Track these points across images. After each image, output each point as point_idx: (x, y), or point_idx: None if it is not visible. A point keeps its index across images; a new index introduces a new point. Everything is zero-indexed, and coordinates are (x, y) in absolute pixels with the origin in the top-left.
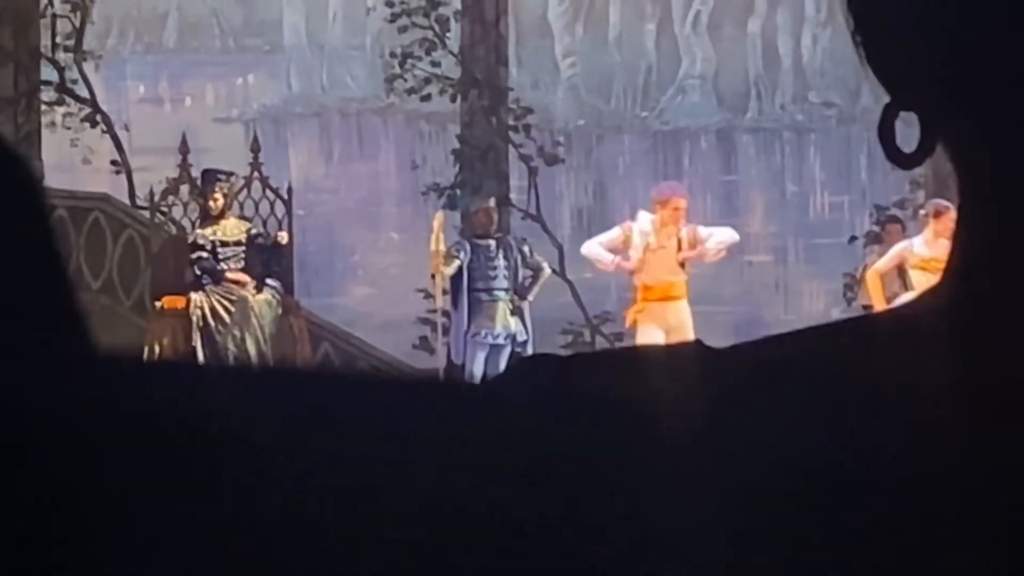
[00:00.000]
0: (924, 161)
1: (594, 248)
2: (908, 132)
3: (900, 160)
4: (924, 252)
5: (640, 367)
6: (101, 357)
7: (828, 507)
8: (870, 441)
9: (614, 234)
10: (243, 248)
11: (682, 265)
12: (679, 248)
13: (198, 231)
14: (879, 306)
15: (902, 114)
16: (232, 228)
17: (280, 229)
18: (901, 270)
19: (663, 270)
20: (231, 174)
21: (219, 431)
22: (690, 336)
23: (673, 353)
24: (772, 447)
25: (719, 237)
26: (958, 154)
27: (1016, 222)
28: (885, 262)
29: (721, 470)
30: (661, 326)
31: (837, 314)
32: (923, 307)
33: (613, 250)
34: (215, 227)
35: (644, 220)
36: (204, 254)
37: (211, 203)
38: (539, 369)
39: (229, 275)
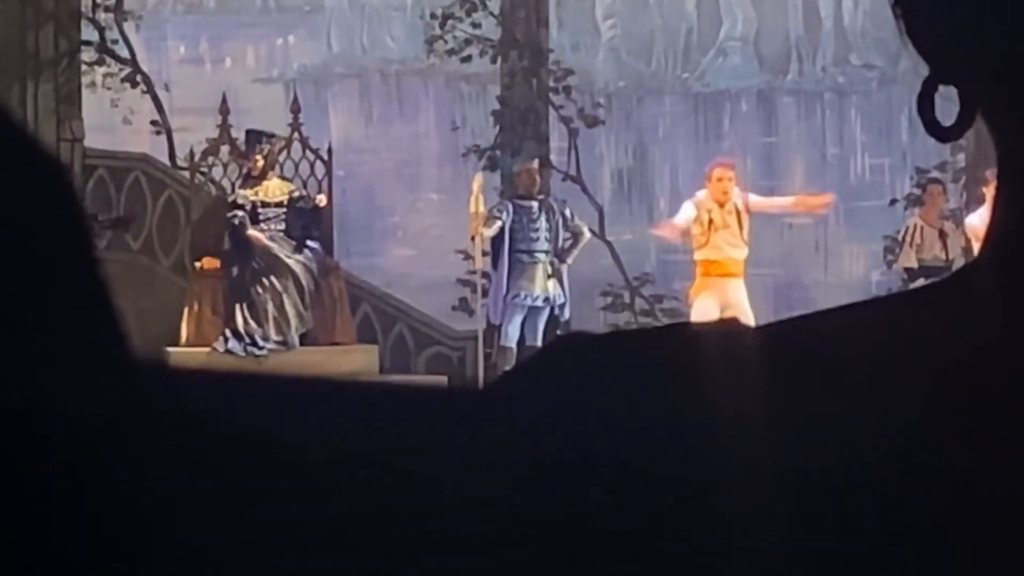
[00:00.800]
0: (963, 135)
1: (672, 229)
2: (947, 106)
3: (939, 133)
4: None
5: (675, 347)
6: (133, 363)
7: (868, 489)
8: (908, 424)
9: (690, 213)
10: (284, 210)
11: (741, 236)
12: (739, 225)
13: (239, 192)
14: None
15: (941, 87)
16: (275, 189)
17: (320, 190)
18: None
19: (727, 246)
20: (273, 135)
21: (230, 437)
22: (746, 314)
23: (709, 332)
24: (811, 433)
25: (768, 201)
26: (997, 128)
27: None
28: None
29: (757, 455)
30: (719, 302)
31: (877, 276)
32: (961, 281)
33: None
34: (257, 188)
35: (702, 197)
36: (240, 213)
37: (252, 164)
38: (572, 349)
39: (271, 229)
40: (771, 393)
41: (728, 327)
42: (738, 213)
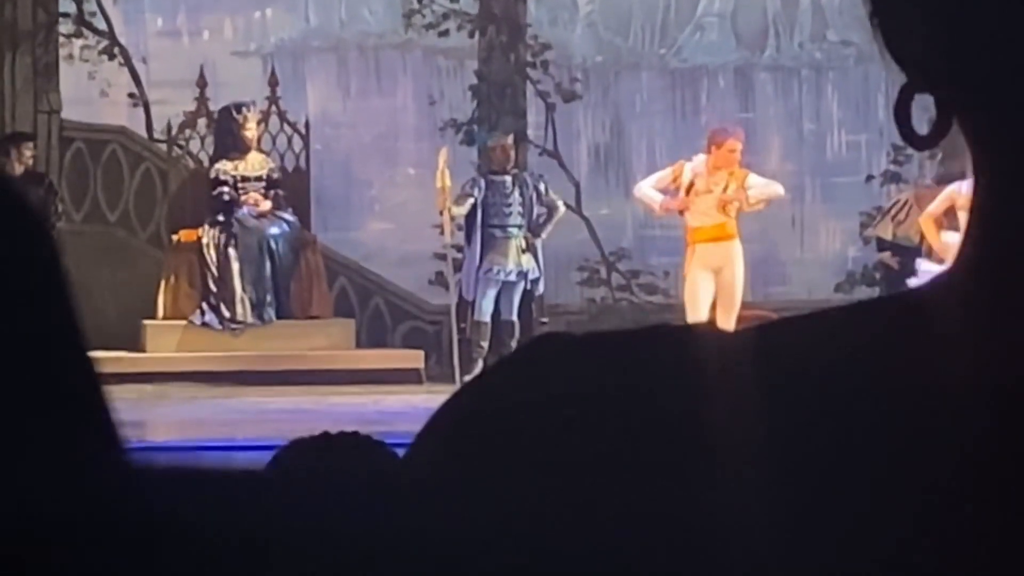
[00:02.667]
0: (938, 143)
1: (646, 191)
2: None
3: (915, 141)
4: None
5: (649, 351)
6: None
7: (844, 495)
8: (882, 429)
9: (663, 174)
10: (263, 184)
11: (723, 208)
12: (725, 191)
13: (219, 166)
14: (937, 247)
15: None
16: (257, 163)
17: (297, 164)
18: (951, 212)
19: (709, 211)
20: (252, 102)
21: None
22: (736, 274)
23: (683, 336)
24: (784, 434)
25: (763, 191)
26: (973, 136)
27: None
28: (936, 205)
29: (732, 459)
30: (710, 267)
31: (853, 252)
32: (938, 288)
33: (663, 190)
34: (238, 162)
35: (699, 161)
36: (226, 190)
37: (247, 132)
38: (547, 351)
39: (250, 203)
40: (743, 397)
41: (703, 331)
42: (728, 185)
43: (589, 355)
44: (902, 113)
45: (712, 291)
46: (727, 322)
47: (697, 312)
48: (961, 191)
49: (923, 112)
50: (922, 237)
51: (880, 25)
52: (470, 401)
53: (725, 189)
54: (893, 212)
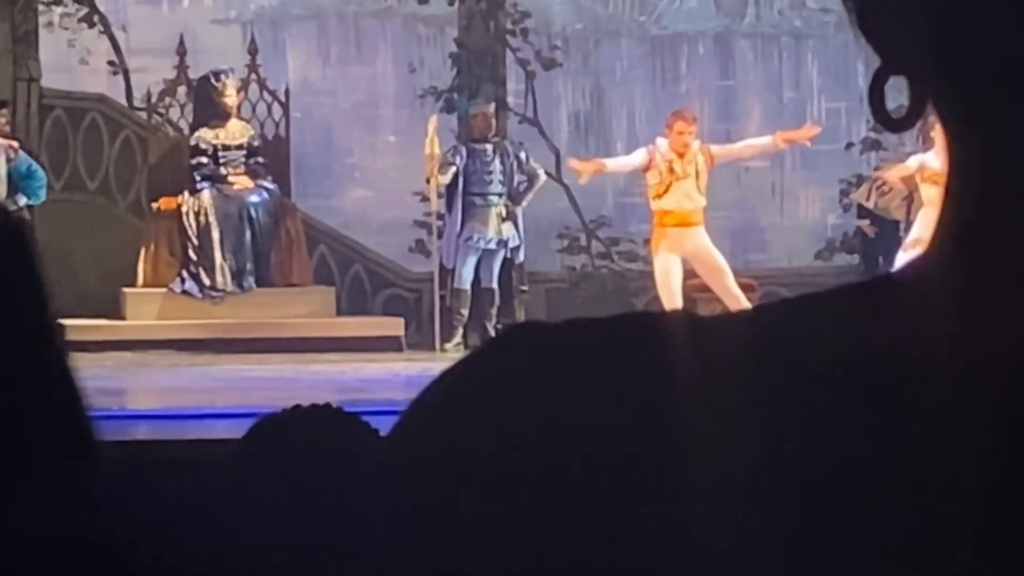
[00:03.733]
0: (913, 125)
1: (620, 161)
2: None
3: (889, 123)
4: (936, 166)
5: (628, 338)
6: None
7: (822, 484)
8: (863, 416)
9: (640, 156)
10: (244, 152)
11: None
12: (697, 176)
13: (200, 134)
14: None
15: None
16: (236, 131)
17: (277, 131)
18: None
19: (685, 197)
20: (231, 70)
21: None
22: (713, 258)
23: (662, 323)
24: (763, 425)
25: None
26: (947, 119)
27: (1005, 188)
28: (896, 173)
29: (710, 451)
30: (677, 252)
31: (833, 220)
32: (913, 274)
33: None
34: (218, 130)
35: (663, 145)
36: (205, 159)
37: (226, 99)
38: (525, 340)
39: (231, 179)
40: (725, 390)
41: (682, 318)
42: (697, 165)
43: (565, 346)
44: (876, 96)
45: (681, 273)
46: (730, 290)
47: (671, 297)
48: (926, 163)
49: (897, 92)
50: (906, 212)
51: (854, 8)
52: (445, 396)
53: (697, 173)
54: (879, 183)
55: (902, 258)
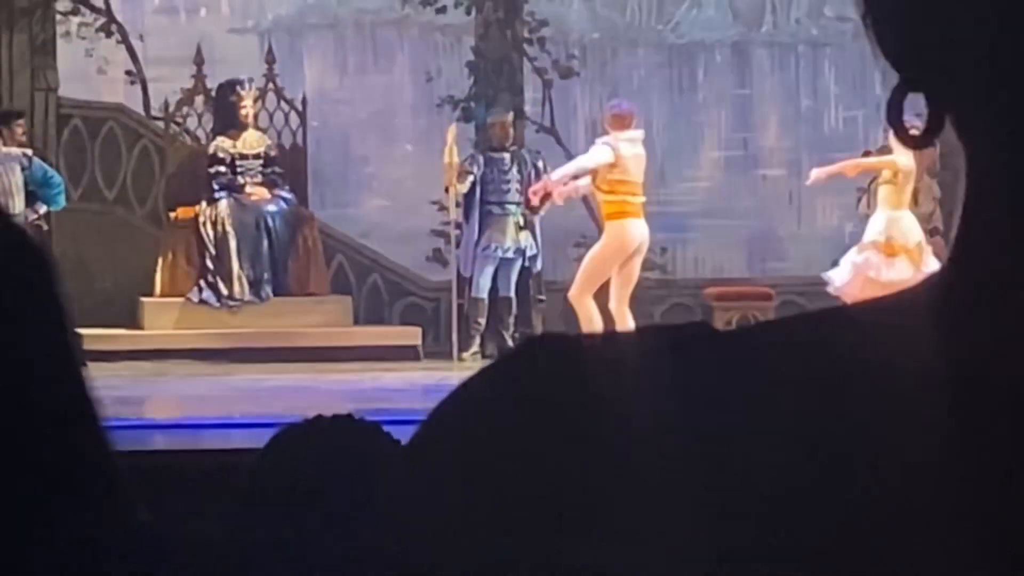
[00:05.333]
0: (932, 142)
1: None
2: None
3: (908, 139)
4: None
5: (645, 351)
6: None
7: (831, 493)
8: (871, 430)
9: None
10: (261, 161)
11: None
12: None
13: (217, 143)
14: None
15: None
16: (254, 141)
17: (295, 141)
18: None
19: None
20: (251, 80)
21: None
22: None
23: (679, 337)
24: (775, 438)
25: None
26: (966, 135)
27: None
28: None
29: (732, 462)
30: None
31: (850, 228)
32: (930, 288)
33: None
34: (235, 140)
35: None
36: (223, 168)
37: (241, 111)
38: (544, 352)
39: (248, 189)
40: (736, 398)
41: (697, 331)
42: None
43: (585, 358)
44: (895, 113)
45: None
46: (626, 297)
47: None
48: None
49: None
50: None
51: (872, 25)
52: (466, 407)
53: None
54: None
55: (854, 259)
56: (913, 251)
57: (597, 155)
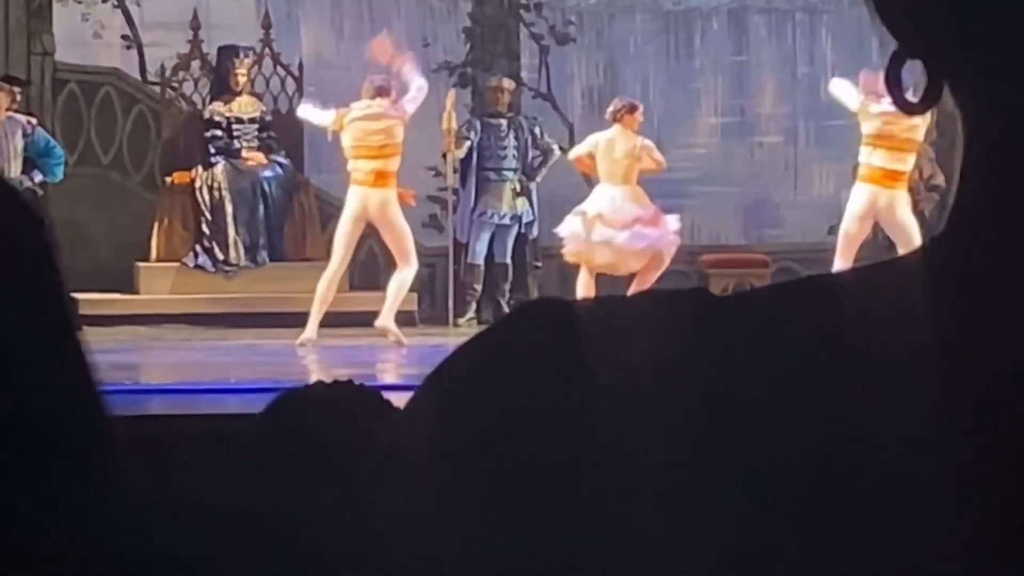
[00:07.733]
0: (930, 108)
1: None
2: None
3: (906, 106)
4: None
5: (644, 315)
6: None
7: (831, 457)
8: (870, 394)
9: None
10: (257, 126)
11: None
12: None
13: (213, 107)
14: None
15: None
16: (248, 105)
17: (291, 105)
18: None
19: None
20: (251, 49)
21: None
22: None
23: (678, 300)
24: (774, 403)
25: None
26: (964, 102)
27: (1021, 169)
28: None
29: (726, 424)
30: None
31: (846, 195)
32: (929, 253)
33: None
34: (230, 104)
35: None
36: (219, 132)
37: (232, 80)
38: (540, 314)
39: (244, 154)
40: (732, 360)
41: (697, 296)
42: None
43: (581, 321)
44: (893, 79)
45: None
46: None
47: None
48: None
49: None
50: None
51: None
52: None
53: None
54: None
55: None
56: None
57: None
